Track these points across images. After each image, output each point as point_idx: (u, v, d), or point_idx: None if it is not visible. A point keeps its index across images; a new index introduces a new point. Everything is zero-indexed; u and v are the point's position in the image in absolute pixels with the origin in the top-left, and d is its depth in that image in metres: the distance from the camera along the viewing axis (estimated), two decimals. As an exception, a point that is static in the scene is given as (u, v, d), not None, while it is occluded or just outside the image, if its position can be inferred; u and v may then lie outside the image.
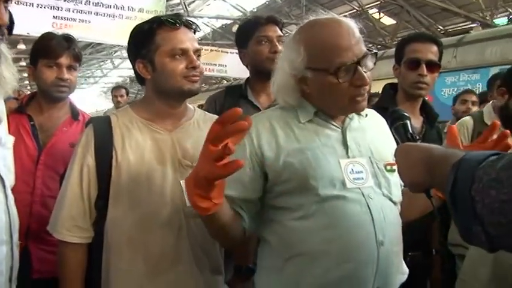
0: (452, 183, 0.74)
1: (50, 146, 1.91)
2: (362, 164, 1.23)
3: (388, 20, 15.62)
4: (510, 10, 13.61)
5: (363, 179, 1.21)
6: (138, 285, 1.41)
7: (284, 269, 1.21)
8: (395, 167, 1.25)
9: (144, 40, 1.45)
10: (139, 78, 1.52)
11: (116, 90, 5.97)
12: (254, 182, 1.23)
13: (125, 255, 1.41)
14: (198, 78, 1.45)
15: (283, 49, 1.35)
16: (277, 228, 1.25)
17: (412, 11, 13.43)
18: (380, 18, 15.44)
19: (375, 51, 1.22)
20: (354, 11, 15.57)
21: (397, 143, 1.22)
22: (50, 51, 1.87)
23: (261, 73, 2.02)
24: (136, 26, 1.52)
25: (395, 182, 1.26)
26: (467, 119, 2.26)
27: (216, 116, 1.66)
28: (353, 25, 1.21)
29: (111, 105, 10.40)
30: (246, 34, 2.10)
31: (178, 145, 1.48)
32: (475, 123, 2.22)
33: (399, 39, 1.55)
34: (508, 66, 2.25)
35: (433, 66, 1.91)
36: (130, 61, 1.52)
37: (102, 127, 1.46)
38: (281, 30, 2.09)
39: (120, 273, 1.41)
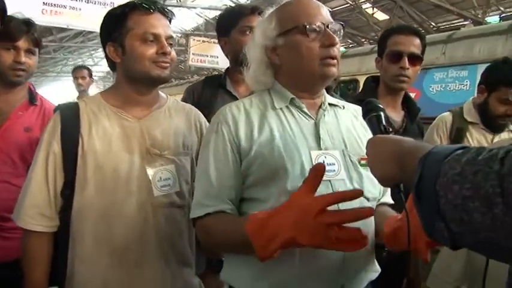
0: (418, 177, 0.71)
1: (4, 129, 1.84)
2: (334, 156, 1.20)
3: (381, 15, 15.61)
4: (502, 9, 13.66)
5: (334, 171, 1.17)
6: (101, 278, 1.37)
7: (252, 262, 1.15)
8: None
9: (116, 23, 1.41)
10: (110, 64, 1.49)
11: (76, 71, 5.05)
12: (239, 174, 1.20)
13: (89, 246, 1.37)
14: (168, 65, 1.41)
15: (256, 28, 1.34)
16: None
17: (405, 6, 13.42)
18: (373, 13, 15.44)
19: (342, 23, 1.26)
20: (348, 5, 15.55)
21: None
22: (8, 34, 1.81)
23: (241, 63, 1.98)
24: (109, 10, 1.48)
25: (369, 177, 1.19)
26: (447, 115, 2.24)
27: (190, 105, 1.64)
28: (324, 6, 1.25)
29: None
30: (230, 23, 2.05)
31: (147, 133, 1.44)
32: (454, 119, 2.20)
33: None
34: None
35: (415, 60, 1.88)
36: (102, 46, 1.47)
37: (69, 114, 1.41)
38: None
39: (84, 264, 1.38)
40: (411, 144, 0.87)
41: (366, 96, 1.44)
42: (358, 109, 1.34)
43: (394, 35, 1.93)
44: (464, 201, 0.61)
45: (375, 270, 1.25)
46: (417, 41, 1.91)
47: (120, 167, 1.39)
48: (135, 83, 1.44)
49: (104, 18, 1.48)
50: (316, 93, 1.29)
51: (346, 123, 1.30)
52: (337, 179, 1.17)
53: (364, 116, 1.16)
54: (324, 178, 1.10)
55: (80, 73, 4.95)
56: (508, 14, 13.82)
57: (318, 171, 0.96)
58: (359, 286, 1.20)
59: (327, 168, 1.13)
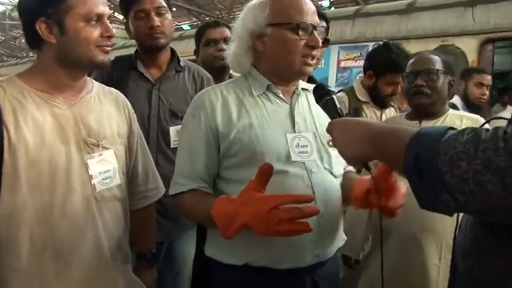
0: (415, 157, 0.78)
1: None
2: (307, 138, 1.29)
3: (224, -5, 15.88)
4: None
5: (307, 152, 1.27)
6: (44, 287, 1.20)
7: (229, 242, 1.19)
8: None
9: None
10: (33, 41, 1.26)
11: None
12: (213, 156, 1.28)
13: (25, 254, 1.19)
14: (110, 48, 1.27)
15: (245, 10, 1.34)
16: None
17: (247, -13, 13.85)
18: (217, -8, 15.63)
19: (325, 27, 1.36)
20: (192, -18, 15.48)
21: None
22: None
23: (142, 47, 1.94)
24: None
25: (336, 156, 1.29)
26: (342, 95, 2.45)
27: (115, 90, 1.49)
28: (314, 7, 1.33)
29: None
30: (125, 7, 1.93)
31: (81, 121, 1.29)
32: (350, 99, 2.42)
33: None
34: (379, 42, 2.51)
35: (322, 42, 1.99)
36: (25, 19, 1.24)
37: None
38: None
39: (22, 277, 1.19)
40: (383, 126, 0.97)
41: None
42: None
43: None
44: (475, 174, 0.70)
45: (342, 238, 1.38)
46: (323, 23, 2.01)
47: (57, 161, 1.22)
48: (71, 67, 1.26)
49: None
50: (291, 83, 1.36)
51: (315, 107, 1.37)
52: (310, 160, 1.27)
53: (318, 100, 1.23)
54: (299, 159, 1.25)
55: None
56: (337, -1, 15.28)
57: (265, 170, 1.07)
58: (331, 253, 1.32)
59: (301, 150, 1.27)
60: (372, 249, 2.00)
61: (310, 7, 1.29)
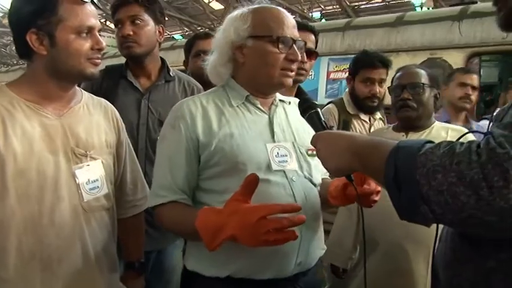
0: (394, 169, 0.81)
1: None
2: (287, 148, 1.31)
3: (217, 5, 16.01)
4: (322, 6, 15.20)
5: (287, 161, 1.28)
6: None
7: (212, 253, 1.19)
8: (315, 152, 1.35)
9: (43, 8, 1.20)
10: (23, 51, 1.27)
11: None
12: (193, 167, 1.27)
13: (13, 263, 1.19)
14: (100, 61, 1.30)
15: (226, 22, 1.35)
16: None
17: (240, -3, 13.96)
18: (209, 2, 15.75)
19: (304, 41, 1.37)
20: (184, -8, 15.58)
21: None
22: None
23: (124, 56, 1.98)
24: None
25: (316, 165, 1.35)
26: (332, 107, 2.49)
27: (104, 100, 1.51)
28: (294, 22, 1.34)
29: None
30: (112, 18, 1.99)
31: (70, 131, 1.30)
32: (339, 111, 2.46)
33: None
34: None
35: (311, 54, 2.03)
36: (16, 30, 1.25)
37: None
38: (145, 6, 1.92)
39: (5, 285, 1.18)
40: (366, 139, 1.00)
41: None
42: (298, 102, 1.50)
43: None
44: (450, 186, 0.73)
45: (322, 247, 1.39)
46: (312, 36, 2.05)
47: (46, 171, 1.23)
48: (61, 78, 1.27)
49: None
50: (270, 95, 1.38)
51: (294, 117, 1.42)
52: (290, 169, 1.28)
53: (303, 113, 1.26)
54: (279, 168, 1.26)
55: None
56: (328, 11, 15.46)
57: (251, 181, 1.06)
58: (312, 262, 1.33)
59: (281, 159, 1.28)
60: (359, 259, 2.02)
61: (290, 21, 1.31)
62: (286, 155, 1.29)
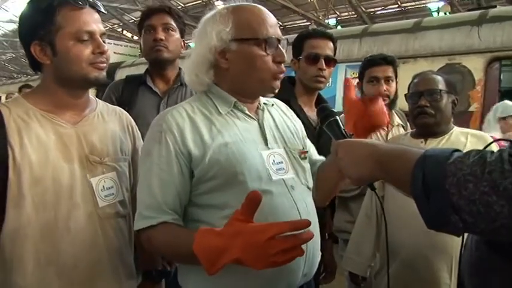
0: (422, 178, 0.80)
1: None
2: (281, 154, 1.25)
3: (232, 13, 16.07)
4: (338, 13, 15.18)
5: (284, 169, 1.23)
6: None
7: None
8: (307, 155, 1.35)
9: (42, 19, 1.24)
10: (34, 64, 1.31)
11: None
12: (185, 184, 1.17)
13: (31, 271, 1.20)
14: (105, 65, 1.31)
15: (202, 25, 1.26)
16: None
17: (255, 6, 14.01)
18: (224, 10, 15.82)
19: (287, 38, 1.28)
20: (200, 1, 15.71)
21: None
22: None
23: (150, 61, 2.11)
24: (29, 2, 1.29)
25: (308, 168, 1.33)
26: (343, 115, 2.46)
27: (119, 108, 1.54)
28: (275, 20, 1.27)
29: None
30: (139, 25, 2.15)
31: (85, 139, 1.32)
32: None
33: None
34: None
35: (330, 61, 2.03)
36: (23, 44, 1.29)
37: None
38: (175, 17, 2.10)
39: None
40: (388, 147, 0.99)
41: (284, 95, 1.55)
42: (282, 104, 1.45)
43: (311, 38, 2.05)
44: (482, 196, 0.72)
45: (319, 254, 1.32)
46: (331, 44, 2.05)
47: (61, 178, 1.25)
48: (68, 85, 1.30)
49: (25, 12, 1.28)
50: (257, 99, 1.32)
51: (280, 120, 1.36)
52: (288, 177, 1.23)
53: (322, 122, 1.25)
54: (278, 177, 1.20)
55: None
56: (344, 17, 15.44)
57: (253, 198, 0.95)
58: (313, 271, 1.28)
59: (278, 167, 1.22)
60: (380, 267, 2.00)
61: (272, 19, 1.23)
62: (282, 162, 1.24)
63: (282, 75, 1.25)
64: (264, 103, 1.34)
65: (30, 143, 1.22)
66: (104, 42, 1.30)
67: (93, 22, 1.28)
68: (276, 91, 1.26)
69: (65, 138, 1.28)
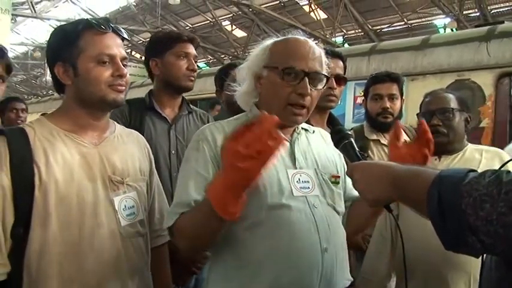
0: (438, 199, 0.80)
1: None
2: (309, 174, 1.30)
3: (239, 33, 16.28)
4: (344, 31, 15.28)
5: (309, 188, 1.28)
6: None
7: (233, 278, 1.22)
8: (339, 180, 1.37)
9: (67, 42, 1.30)
10: (58, 85, 1.36)
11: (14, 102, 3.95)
12: None
13: None
14: (124, 88, 1.34)
15: (252, 53, 1.37)
16: (227, 238, 1.23)
17: (262, 25, 14.19)
18: (232, 30, 16.02)
19: (327, 75, 1.31)
20: (208, 22, 15.91)
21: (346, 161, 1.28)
22: None
23: (172, 86, 2.09)
24: (58, 27, 1.37)
25: (339, 193, 1.35)
26: (350, 133, 2.45)
27: (135, 131, 1.59)
28: (317, 47, 1.32)
29: None
30: (165, 45, 2.10)
31: (106, 160, 1.35)
32: (356, 137, 2.39)
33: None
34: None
35: (340, 80, 2.04)
36: (49, 65, 1.35)
37: (17, 140, 1.24)
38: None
39: None
40: (403, 168, 0.99)
41: None
42: (325, 134, 1.49)
43: (321, 58, 2.07)
44: (500, 216, 0.71)
45: (348, 278, 1.34)
46: (340, 63, 2.07)
47: (85, 197, 1.28)
48: (88, 106, 1.34)
49: (52, 35, 1.35)
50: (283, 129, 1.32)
51: (317, 145, 1.41)
52: (312, 195, 1.28)
53: (337, 144, 1.25)
54: (300, 194, 1.24)
55: (20, 105, 3.98)
56: (350, 35, 15.54)
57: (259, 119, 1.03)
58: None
59: (302, 185, 1.27)
60: (396, 287, 1.97)
61: (306, 52, 1.27)
62: (308, 181, 1.29)
63: (301, 111, 1.28)
64: (305, 129, 1.42)
65: (56, 162, 1.25)
66: (125, 66, 1.34)
67: (115, 46, 1.32)
68: (295, 125, 1.33)
69: (88, 158, 1.32)
